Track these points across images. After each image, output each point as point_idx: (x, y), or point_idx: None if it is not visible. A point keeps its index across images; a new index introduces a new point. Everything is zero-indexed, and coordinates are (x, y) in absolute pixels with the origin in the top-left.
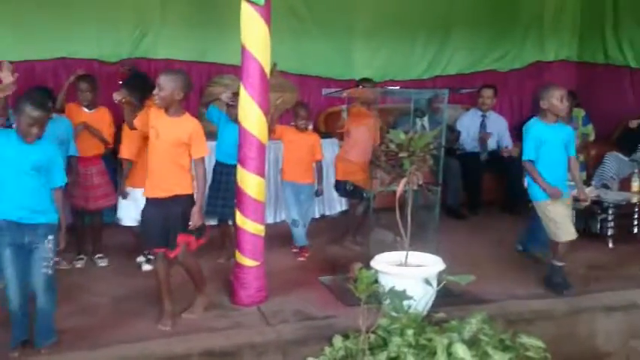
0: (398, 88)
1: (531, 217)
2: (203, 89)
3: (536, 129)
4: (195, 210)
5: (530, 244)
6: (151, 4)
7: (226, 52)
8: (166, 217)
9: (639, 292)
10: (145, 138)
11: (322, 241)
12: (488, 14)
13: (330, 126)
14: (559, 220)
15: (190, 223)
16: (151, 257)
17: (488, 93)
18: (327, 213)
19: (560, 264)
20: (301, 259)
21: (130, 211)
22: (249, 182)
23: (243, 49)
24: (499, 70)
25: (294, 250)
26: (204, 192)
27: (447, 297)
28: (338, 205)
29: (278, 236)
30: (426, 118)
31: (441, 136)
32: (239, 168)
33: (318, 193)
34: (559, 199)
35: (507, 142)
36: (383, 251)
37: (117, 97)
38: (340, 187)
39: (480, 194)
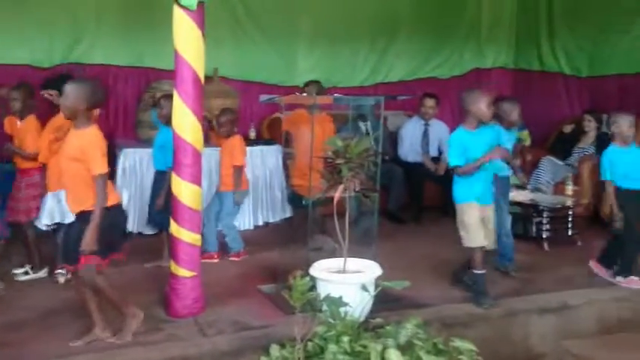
0: (337, 95)
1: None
2: (142, 95)
3: (458, 136)
4: (88, 229)
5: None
6: (86, 8)
7: (165, 57)
8: (68, 232)
9: (571, 293)
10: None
11: (259, 249)
12: (429, 22)
13: (274, 132)
14: (469, 225)
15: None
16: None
17: (430, 103)
18: (271, 220)
19: (479, 272)
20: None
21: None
22: (184, 191)
23: (176, 54)
24: (440, 77)
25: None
26: (99, 213)
27: (386, 302)
28: (281, 211)
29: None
30: (368, 124)
31: (378, 142)
32: (174, 176)
33: (236, 202)
34: (478, 206)
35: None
36: (323, 258)
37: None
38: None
39: (422, 201)
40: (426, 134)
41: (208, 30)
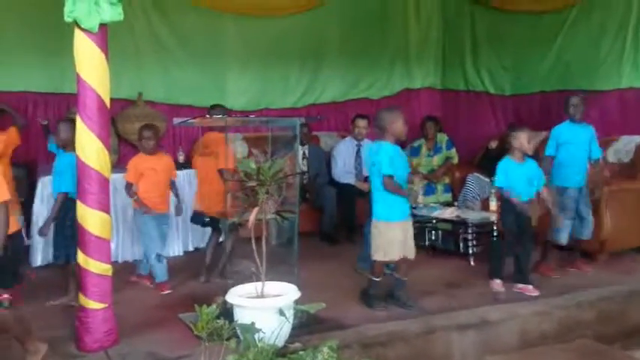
0: (253, 116)
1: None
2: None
3: (390, 149)
4: None
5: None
6: (1, 32)
7: None
8: None
9: (491, 309)
10: None
11: (185, 276)
12: (358, 45)
13: None
14: (392, 242)
15: None
16: None
17: (362, 123)
18: (201, 245)
19: (378, 279)
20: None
21: None
22: (91, 219)
23: (78, 78)
24: (371, 97)
25: (151, 286)
26: (2, 242)
27: (309, 325)
28: (201, 239)
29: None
30: (306, 147)
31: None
32: (79, 204)
33: (178, 212)
34: (398, 225)
35: None
36: (243, 283)
37: None
38: (197, 219)
39: (354, 220)
40: (358, 154)
41: (131, 55)
